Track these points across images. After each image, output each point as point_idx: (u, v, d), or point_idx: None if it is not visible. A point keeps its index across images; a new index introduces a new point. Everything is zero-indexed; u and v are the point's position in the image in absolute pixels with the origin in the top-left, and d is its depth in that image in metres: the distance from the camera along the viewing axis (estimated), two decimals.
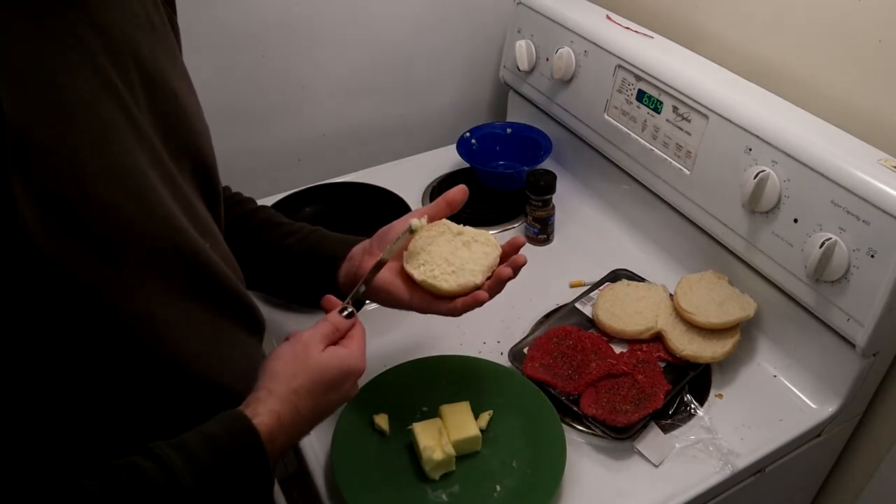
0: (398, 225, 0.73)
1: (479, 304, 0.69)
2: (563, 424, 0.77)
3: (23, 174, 0.40)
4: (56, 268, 0.43)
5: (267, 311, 0.73)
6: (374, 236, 0.74)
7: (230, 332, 0.61)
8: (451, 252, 0.72)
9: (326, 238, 0.77)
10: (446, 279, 0.69)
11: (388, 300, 0.72)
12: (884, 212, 0.70)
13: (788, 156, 0.79)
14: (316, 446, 0.78)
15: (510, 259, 0.71)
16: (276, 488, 0.73)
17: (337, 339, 0.63)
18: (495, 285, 0.70)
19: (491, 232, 1.10)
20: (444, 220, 0.74)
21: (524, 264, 0.71)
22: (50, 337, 0.45)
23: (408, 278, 0.71)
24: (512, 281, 0.71)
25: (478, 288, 0.69)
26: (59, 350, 0.46)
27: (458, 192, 0.73)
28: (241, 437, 0.52)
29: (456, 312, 0.69)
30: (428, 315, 0.71)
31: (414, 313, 0.72)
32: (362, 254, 0.73)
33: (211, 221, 0.61)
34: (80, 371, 0.47)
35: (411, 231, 0.70)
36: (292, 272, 0.76)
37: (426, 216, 0.72)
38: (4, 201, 0.40)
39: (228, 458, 0.51)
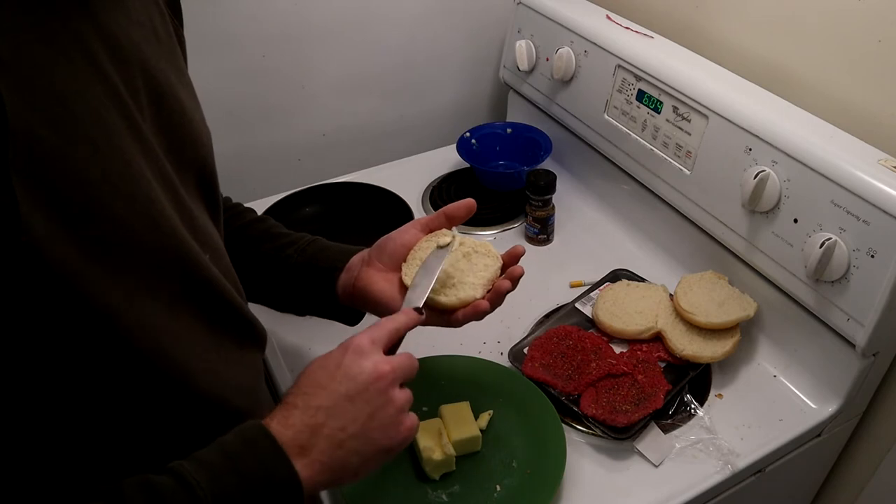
0: (396, 235, 0.72)
1: (481, 314, 0.68)
2: (563, 424, 0.77)
3: (26, 177, 0.40)
4: (58, 274, 0.42)
5: (268, 324, 0.73)
6: (373, 246, 0.74)
7: (230, 346, 0.60)
8: (451, 264, 0.70)
9: (325, 248, 0.76)
10: (446, 293, 0.68)
11: (388, 313, 0.70)
12: (884, 212, 0.70)
13: (788, 156, 0.79)
14: None
15: (508, 271, 0.70)
16: None
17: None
18: (495, 299, 0.69)
19: (491, 232, 1.11)
20: (445, 231, 0.73)
21: (522, 276, 0.70)
22: (50, 346, 0.44)
23: (406, 290, 0.69)
24: None
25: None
26: (59, 361, 0.45)
27: (461, 208, 0.72)
28: (246, 432, 0.51)
29: (457, 324, 0.69)
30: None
31: None
32: (360, 264, 0.73)
33: (213, 234, 0.60)
34: (80, 384, 0.47)
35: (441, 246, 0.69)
36: (291, 283, 0.75)
37: (455, 237, 0.70)
38: (7, 204, 0.39)
39: (238, 455, 0.50)
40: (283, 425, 0.52)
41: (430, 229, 0.73)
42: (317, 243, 0.77)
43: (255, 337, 0.66)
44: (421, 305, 0.64)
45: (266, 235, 0.78)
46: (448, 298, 0.68)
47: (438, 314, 0.69)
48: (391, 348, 0.60)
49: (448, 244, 0.70)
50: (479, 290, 0.68)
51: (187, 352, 0.53)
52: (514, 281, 0.70)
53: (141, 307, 0.48)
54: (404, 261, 0.71)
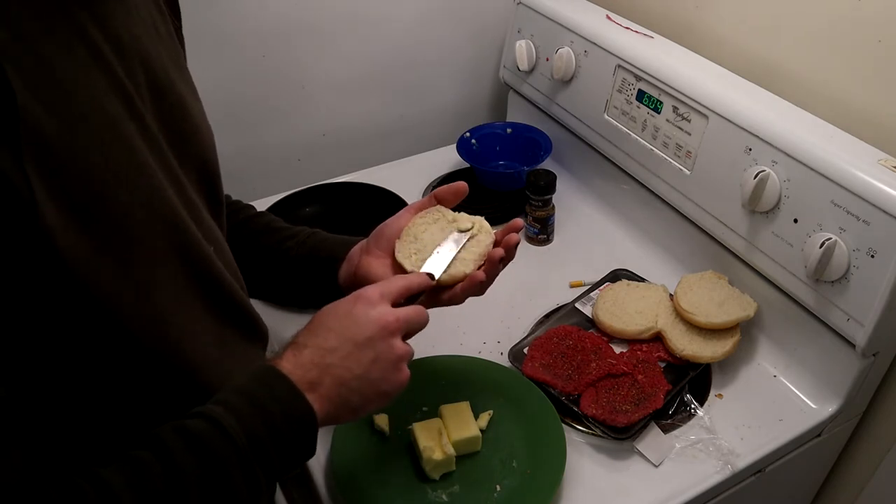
0: (393, 222, 0.73)
1: (478, 286, 0.68)
2: (563, 424, 0.77)
3: (38, 168, 0.40)
4: (70, 265, 0.43)
5: (269, 321, 0.73)
6: (370, 235, 0.74)
7: (235, 340, 0.61)
8: (445, 240, 0.71)
9: (325, 240, 0.77)
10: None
11: None
12: (884, 212, 0.70)
13: (788, 156, 0.79)
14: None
15: (504, 239, 0.70)
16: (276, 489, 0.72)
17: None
18: (490, 269, 0.69)
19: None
20: (439, 207, 0.74)
21: (517, 244, 0.70)
22: (58, 335, 0.44)
23: (402, 270, 0.69)
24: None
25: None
26: (67, 349, 0.45)
27: (449, 191, 0.72)
28: (260, 374, 0.54)
29: (457, 299, 0.69)
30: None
31: None
32: (360, 253, 0.73)
33: (215, 229, 0.61)
34: (87, 372, 0.47)
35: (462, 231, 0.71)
36: (292, 276, 0.76)
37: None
38: (24, 194, 0.40)
39: (257, 394, 0.52)
40: (294, 364, 0.54)
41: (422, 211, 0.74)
42: (316, 235, 0.78)
43: (258, 333, 0.66)
44: (437, 276, 0.66)
45: (266, 229, 0.79)
46: (439, 275, 0.68)
47: (437, 295, 0.69)
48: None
49: (468, 229, 0.70)
50: (470, 266, 0.69)
51: (194, 344, 0.54)
52: (509, 250, 0.69)
53: (149, 298, 0.49)
54: (398, 238, 0.72)
